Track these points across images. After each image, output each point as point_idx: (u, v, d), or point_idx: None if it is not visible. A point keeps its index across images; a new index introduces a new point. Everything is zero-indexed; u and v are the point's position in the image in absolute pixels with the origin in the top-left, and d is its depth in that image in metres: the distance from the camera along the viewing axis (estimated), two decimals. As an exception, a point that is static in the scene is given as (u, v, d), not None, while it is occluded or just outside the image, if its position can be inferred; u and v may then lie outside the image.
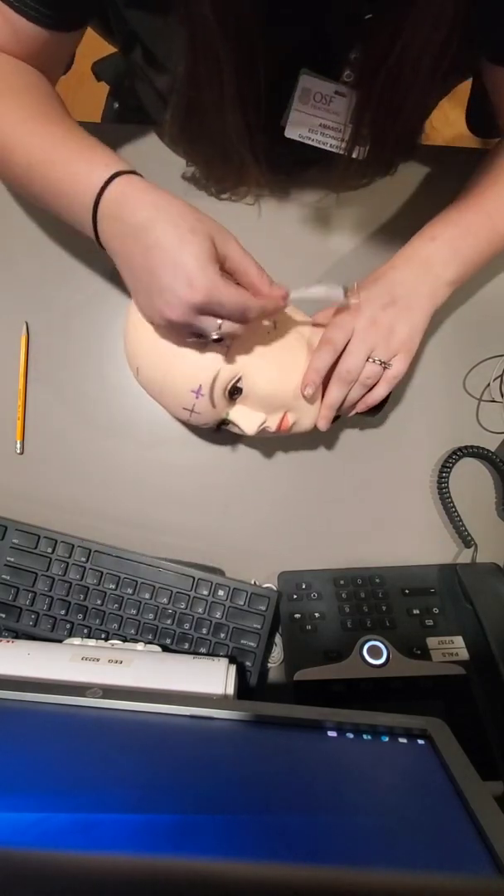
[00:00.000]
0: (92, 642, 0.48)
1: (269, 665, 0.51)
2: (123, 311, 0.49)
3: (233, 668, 0.43)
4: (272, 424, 0.48)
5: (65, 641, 0.48)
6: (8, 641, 0.45)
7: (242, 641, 0.49)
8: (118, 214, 0.40)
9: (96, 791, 0.28)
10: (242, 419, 0.47)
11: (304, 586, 0.52)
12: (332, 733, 0.34)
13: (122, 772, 0.30)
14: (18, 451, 0.56)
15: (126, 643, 0.48)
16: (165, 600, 0.49)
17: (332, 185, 0.61)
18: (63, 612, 0.50)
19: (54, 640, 0.49)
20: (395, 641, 0.49)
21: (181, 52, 0.43)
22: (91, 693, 0.36)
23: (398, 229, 0.60)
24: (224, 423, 0.48)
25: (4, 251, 0.60)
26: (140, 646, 0.47)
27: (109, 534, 0.52)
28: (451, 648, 0.49)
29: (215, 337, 0.41)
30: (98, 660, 0.42)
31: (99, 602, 0.50)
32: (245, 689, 0.48)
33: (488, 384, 0.59)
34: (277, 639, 0.51)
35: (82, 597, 0.50)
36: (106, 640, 0.49)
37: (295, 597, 0.51)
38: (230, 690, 0.41)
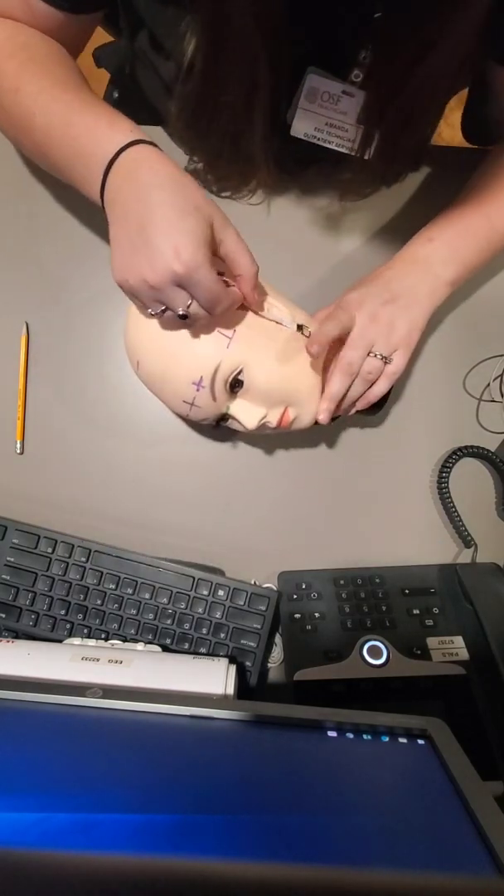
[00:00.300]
0: (92, 642, 0.48)
1: (269, 665, 0.51)
2: (123, 311, 0.49)
3: (233, 668, 0.43)
4: (273, 419, 0.47)
5: (65, 641, 0.48)
6: (8, 641, 0.45)
7: (242, 641, 0.49)
8: (132, 171, 0.40)
9: (96, 791, 0.28)
10: (243, 413, 0.46)
11: (304, 586, 0.52)
12: (332, 733, 0.34)
13: (122, 772, 0.30)
14: (18, 451, 0.56)
15: (126, 643, 0.48)
16: (165, 600, 0.49)
17: (340, 190, 0.60)
18: (63, 612, 0.50)
19: (54, 640, 0.49)
20: (395, 641, 0.49)
21: (195, 49, 0.44)
22: (91, 693, 0.36)
23: (398, 229, 0.60)
24: (224, 418, 0.48)
25: (4, 251, 0.60)
26: (140, 646, 0.47)
27: (109, 534, 0.52)
28: (451, 648, 0.49)
29: (181, 313, 0.40)
30: (98, 660, 0.42)
31: (99, 602, 0.50)
32: (245, 689, 0.48)
33: (488, 384, 0.59)
34: (277, 639, 0.52)
35: (82, 597, 0.50)
36: (106, 640, 0.49)
37: (295, 597, 0.51)
38: (230, 690, 0.41)
